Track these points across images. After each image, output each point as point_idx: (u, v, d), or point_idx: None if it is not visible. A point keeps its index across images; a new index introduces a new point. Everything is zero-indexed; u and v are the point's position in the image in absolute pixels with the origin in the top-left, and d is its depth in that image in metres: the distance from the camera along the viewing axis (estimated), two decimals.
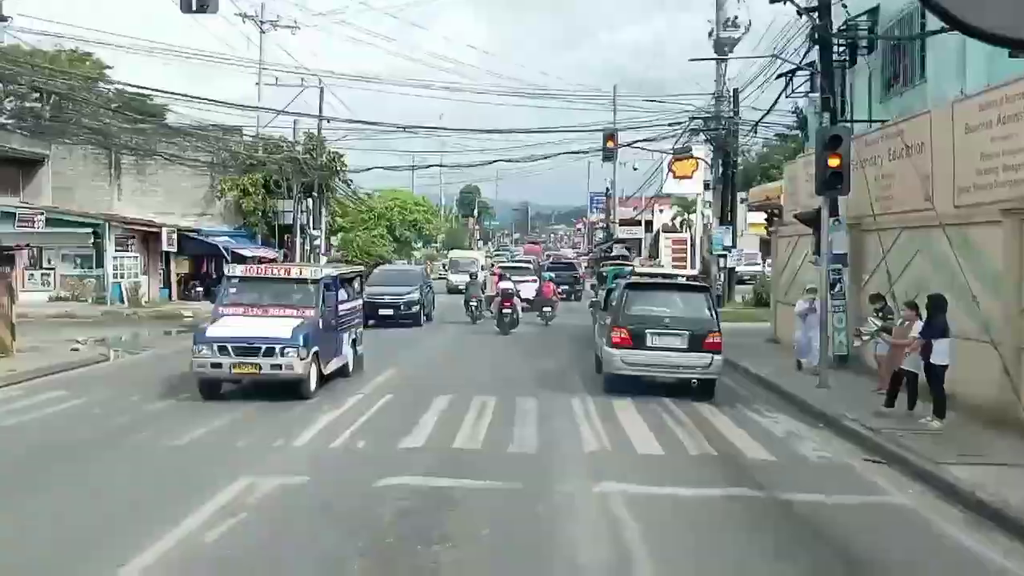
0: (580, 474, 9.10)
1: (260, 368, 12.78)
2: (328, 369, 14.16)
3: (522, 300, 26.36)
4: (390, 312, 25.65)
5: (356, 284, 17.94)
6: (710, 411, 12.95)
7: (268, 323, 13.26)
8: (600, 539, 6.97)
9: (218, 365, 12.78)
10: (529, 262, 45.21)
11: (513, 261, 48.43)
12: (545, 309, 27.28)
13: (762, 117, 24.93)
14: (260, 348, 12.72)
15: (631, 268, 28.92)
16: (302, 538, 6.94)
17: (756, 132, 26.87)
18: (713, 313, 14.41)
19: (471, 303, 27.84)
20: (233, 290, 14.34)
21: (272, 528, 7.15)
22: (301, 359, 12.81)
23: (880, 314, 13.71)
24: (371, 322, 22.59)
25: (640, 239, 72.99)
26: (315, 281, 14.35)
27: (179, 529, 6.88)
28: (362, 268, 23.54)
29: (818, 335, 15.02)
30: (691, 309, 14.30)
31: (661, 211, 69.14)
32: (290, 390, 12.90)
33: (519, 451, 10.20)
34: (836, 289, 16.58)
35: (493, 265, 42.40)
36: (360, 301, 17.97)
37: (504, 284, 25.58)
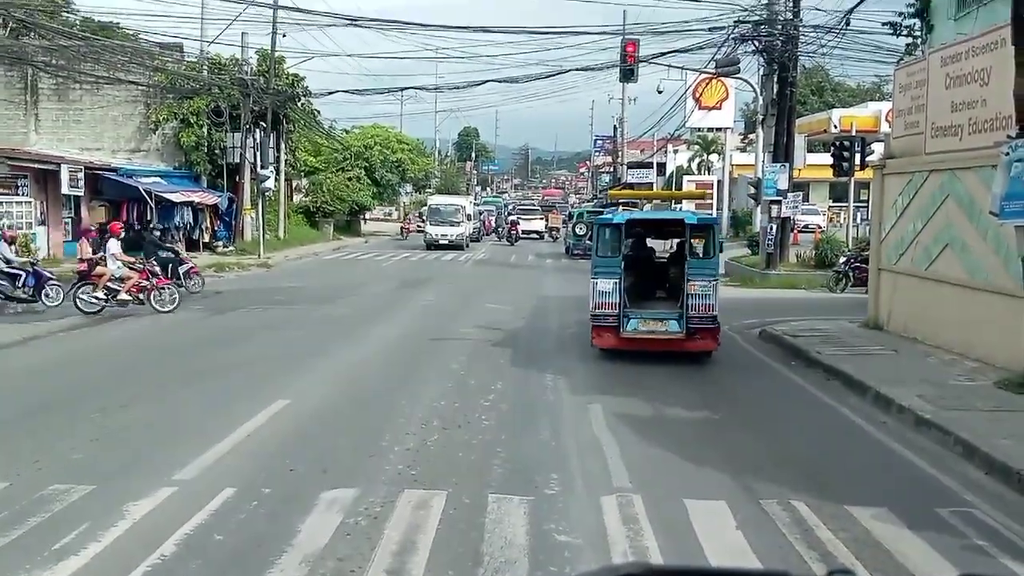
0: None
1: None
2: None
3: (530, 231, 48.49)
4: None
5: None
6: None
7: None
8: None
9: None
10: (538, 208, 59.78)
11: (524, 205, 63.84)
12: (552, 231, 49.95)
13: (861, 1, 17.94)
14: None
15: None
16: None
17: (848, 25, 19.74)
18: None
19: (499, 230, 49.57)
20: None
21: None
22: None
23: None
24: None
25: (651, 183, 66.18)
26: None
27: None
28: None
29: None
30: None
31: (676, 152, 62.15)
32: None
33: None
34: None
35: (482, 214, 53.65)
36: None
37: (512, 218, 47.17)
